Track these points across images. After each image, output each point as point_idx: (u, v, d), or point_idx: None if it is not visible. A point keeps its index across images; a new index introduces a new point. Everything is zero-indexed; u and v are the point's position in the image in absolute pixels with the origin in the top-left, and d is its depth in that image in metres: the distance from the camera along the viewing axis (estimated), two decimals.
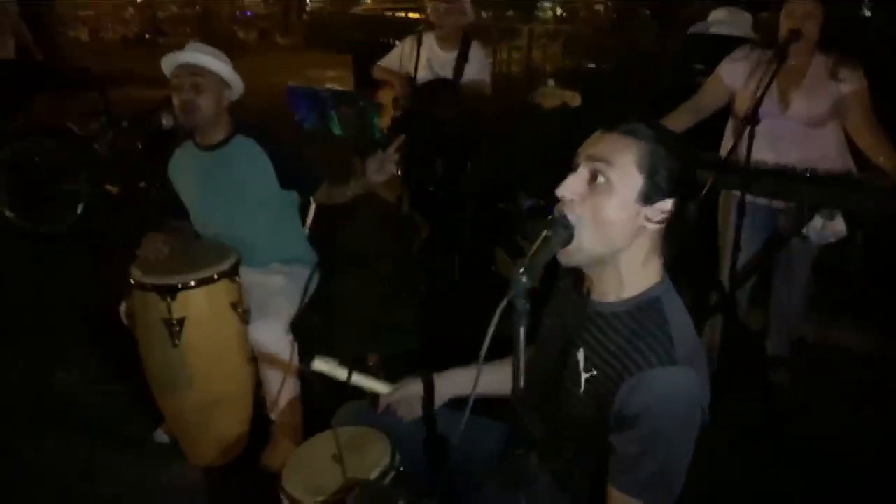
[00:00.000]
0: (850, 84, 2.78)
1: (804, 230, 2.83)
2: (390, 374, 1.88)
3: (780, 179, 2.64)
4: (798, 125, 2.84)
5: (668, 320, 1.32)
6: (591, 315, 1.41)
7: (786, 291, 3.14)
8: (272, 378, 2.64)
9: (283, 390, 2.64)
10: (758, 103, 2.66)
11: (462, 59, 4.08)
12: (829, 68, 2.80)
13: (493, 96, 4.18)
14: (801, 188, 2.63)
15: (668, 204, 1.33)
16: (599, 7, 9.66)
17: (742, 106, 2.89)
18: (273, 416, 2.71)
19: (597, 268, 1.39)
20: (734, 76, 2.95)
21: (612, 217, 1.32)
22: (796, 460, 2.72)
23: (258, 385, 2.72)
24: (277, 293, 2.69)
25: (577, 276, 1.48)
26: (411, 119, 4.10)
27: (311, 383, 1.92)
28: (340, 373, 1.79)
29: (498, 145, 4.27)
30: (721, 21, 3.86)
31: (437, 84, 4.08)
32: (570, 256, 1.34)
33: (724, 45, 3.18)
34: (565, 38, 8.12)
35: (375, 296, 3.94)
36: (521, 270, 1.19)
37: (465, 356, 1.66)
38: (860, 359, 3.39)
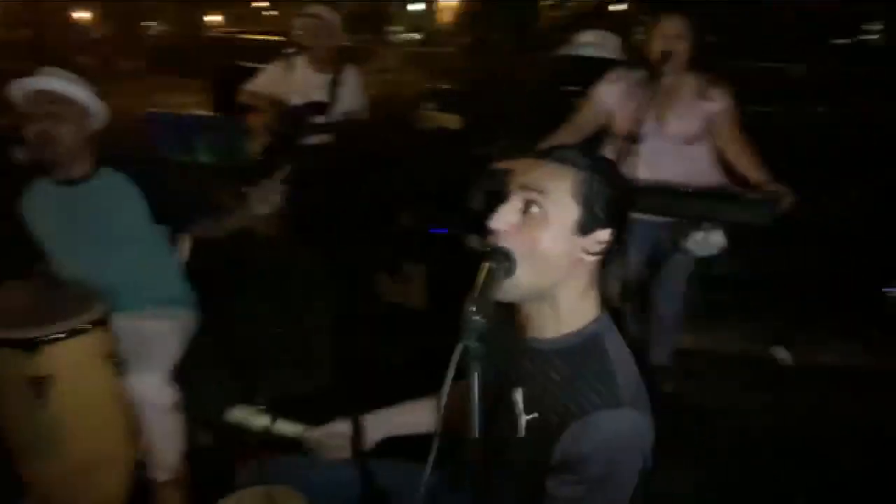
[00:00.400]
0: (720, 103, 2.93)
1: (685, 243, 2.93)
2: (295, 414, 1.75)
3: (664, 195, 2.73)
4: (673, 143, 2.94)
5: (612, 359, 1.27)
6: (529, 352, 1.34)
7: (666, 303, 3.26)
8: (155, 435, 2.40)
9: (167, 447, 2.42)
10: (639, 123, 2.74)
11: (336, 82, 3.98)
12: (699, 88, 2.93)
13: (370, 119, 4.10)
14: (683, 203, 2.72)
15: (604, 234, 1.29)
16: (457, 29, 9.84)
17: (621, 126, 2.96)
18: (156, 478, 2.46)
19: (533, 302, 1.33)
20: (611, 97, 3.03)
21: (548, 249, 1.27)
22: (690, 462, 2.78)
23: (138, 444, 2.47)
24: (154, 339, 2.46)
25: (511, 310, 1.41)
26: (285, 144, 3.95)
27: (215, 437, 1.75)
28: (260, 420, 1.63)
29: (378, 168, 4.19)
30: (589, 43, 3.98)
31: (310, 108, 3.95)
32: (506, 292, 1.27)
33: (594, 67, 3.27)
34: (427, 61, 8.18)
35: (260, 331, 3.73)
36: (473, 308, 1.11)
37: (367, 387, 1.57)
38: (738, 363, 3.57)
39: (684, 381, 3.38)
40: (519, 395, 1.32)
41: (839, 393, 3.28)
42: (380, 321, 3.84)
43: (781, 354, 3.58)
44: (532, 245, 1.26)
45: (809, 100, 4.58)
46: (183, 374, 2.43)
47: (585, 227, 1.27)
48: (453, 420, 1.56)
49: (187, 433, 2.46)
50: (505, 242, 1.28)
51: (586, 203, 1.27)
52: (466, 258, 4.09)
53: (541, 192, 1.27)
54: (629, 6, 7.39)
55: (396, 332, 3.72)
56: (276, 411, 1.62)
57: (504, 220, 1.28)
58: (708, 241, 2.90)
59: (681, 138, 2.94)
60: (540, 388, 1.29)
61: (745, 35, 4.69)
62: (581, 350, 1.29)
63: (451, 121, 3.66)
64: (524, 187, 1.29)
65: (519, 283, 1.26)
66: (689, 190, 2.76)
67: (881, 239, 3.88)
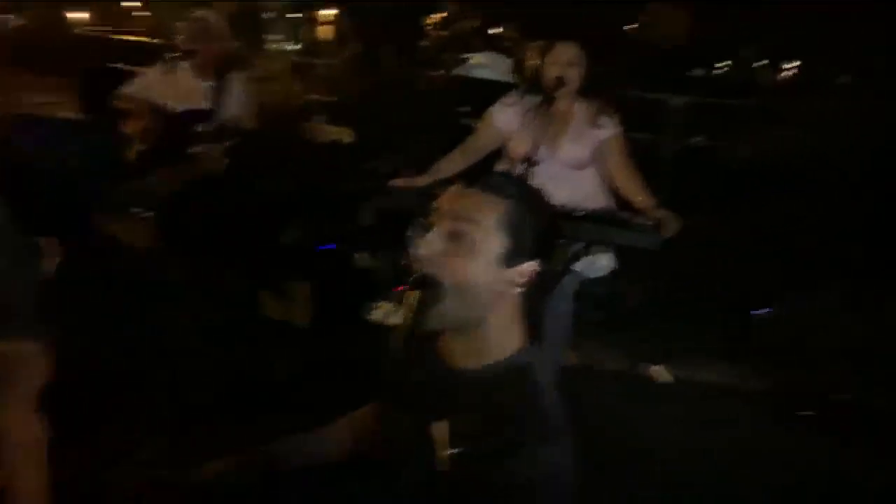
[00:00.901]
0: (609, 130, 3.02)
1: (575, 265, 3.00)
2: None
3: (560, 219, 2.78)
4: (565, 168, 3.02)
5: (540, 391, 1.26)
6: (453, 383, 1.30)
7: (554, 322, 3.32)
8: (17, 469, 2.18)
9: (30, 483, 2.20)
10: (535, 147, 2.78)
11: (220, 90, 3.81)
12: (590, 115, 3.02)
13: (256, 129, 3.96)
14: (574, 227, 2.78)
15: (531, 266, 1.27)
16: (338, 41, 9.70)
17: (516, 149, 3.00)
18: None
19: (458, 332, 1.29)
20: (507, 121, 3.06)
21: (474, 280, 1.24)
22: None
23: None
24: (16, 364, 2.24)
25: (433, 338, 1.36)
26: (163, 152, 3.74)
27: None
28: None
29: (262, 181, 4.05)
30: (481, 65, 4.03)
31: (192, 115, 3.76)
32: (431, 320, 1.23)
33: (488, 89, 3.31)
34: (310, 71, 8.02)
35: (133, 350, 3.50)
36: (395, 336, 1.07)
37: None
38: (621, 380, 3.69)
39: (569, 399, 3.45)
40: (443, 429, 1.27)
41: (712, 409, 3.45)
42: (262, 339, 3.70)
43: (660, 372, 3.73)
44: (458, 275, 1.23)
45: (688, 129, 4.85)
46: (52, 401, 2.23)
47: (512, 259, 1.25)
48: (367, 446, 1.50)
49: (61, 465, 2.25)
50: (430, 270, 1.23)
51: (514, 234, 1.24)
52: (353, 276, 4.04)
53: (469, 221, 1.24)
54: (504, 30, 7.56)
55: (280, 350, 3.60)
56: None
57: (431, 247, 1.24)
58: (597, 263, 2.99)
59: (572, 163, 3.01)
60: (465, 421, 1.25)
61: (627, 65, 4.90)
62: (508, 381, 1.26)
63: (341, 133, 3.60)
64: (451, 216, 1.26)
65: (445, 313, 1.23)
66: (580, 213, 2.83)
67: (751, 264, 4.14)
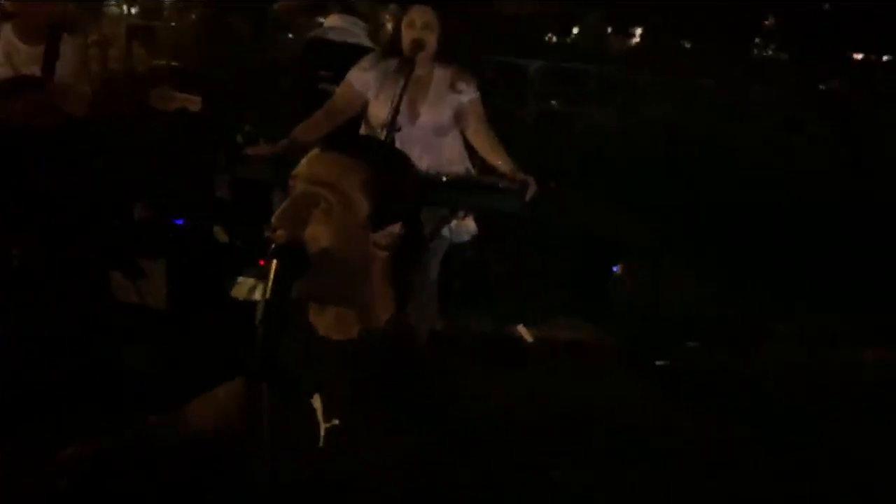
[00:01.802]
0: (467, 95, 3.03)
1: (440, 231, 3.01)
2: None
3: (424, 185, 2.76)
4: (426, 133, 3.00)
5: (415, 358, 1.24)
6: (326, 354, 1.25)
7: (422, 289, 3.33)
8: None
9: None
10: (395, 112, 2.74)
11: (51, 55, 3.49)
12: (449, 80, 3.01)
13: (96, 98, 3.67)
14: (438, 192, 2.78)
15: (395, 229, 1.24)
16: (181, 3, 9.18)
17: (376, 114, 2.95)
18: None
19: (327, 301, 1.24)
20: (365, 85, 3.00)
21: (337, 245, 1.19)
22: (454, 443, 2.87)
23: None
24: None
25: (303, 309, 1.31)
26: None
27: None
28: None
29: (106, 153, 3.77)
30: (337, 27, 3.91)
31: (21, 83, 3.43)
32: (295, 291, 1.18)
33: (346, 53, 3.23)
34: (152, 36, 7.53)
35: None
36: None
37: None
38: (491, 343, 3.76)
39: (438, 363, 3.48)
40: (317, 402, 1.23)
41: (575, 366, 3.59)
42: (115, 323, 3.49)
43: (524, 332, 3.83)
44: (321, 242, 1.18)
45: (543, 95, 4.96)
46: None
47: (376, 222, 1.21)
48: (234, 425, 1.42)
49: None
50: (291, 239, 1.18)
51: (377, 197, 1.21)
52: (213, 252, 3.87)
53: (329, 186, 1.19)
54: None
55: (134, 334, 3.41)
56: None
57: (288, 215, 1.19)
58: (461, 228, 3.01)
59: (433, 128, 3.00)
60: (339, 393, 1.21)
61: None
62: (382, 350, 1.23)
63: (191, 102, 3.39)
64: (312, 180, 1.20)
65: (310, 282, 1.18)
66: (444, 179, 2.83)
67: (606, 225, 4.32)
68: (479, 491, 1.26)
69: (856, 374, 3.73)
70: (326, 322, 1.27)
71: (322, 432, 1.22)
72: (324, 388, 1.24)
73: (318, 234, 1.18)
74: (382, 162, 1.23)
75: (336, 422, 1.20)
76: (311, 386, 1.25)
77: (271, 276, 1.12)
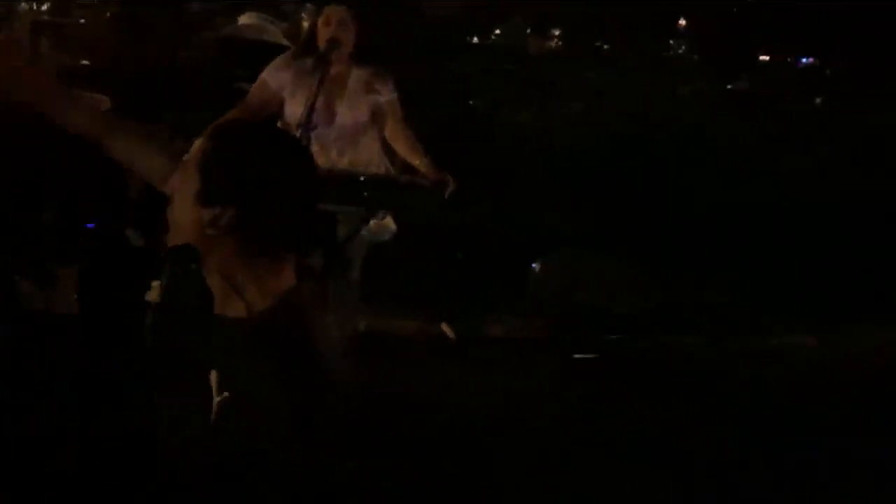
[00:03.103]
0: (386, 95, 3.02)
1: (360, 230, 2.99)
2: None
3: (342, 184, 2.75)
4: (343, 133, 2.98)
5: (307, 336, 1.28)
6: (219, 331, 1.27)
7: (342, 289, 3.30)
8: None
9: None
10: (311, 111, 2.71)
11: None
12: (366, 80, 3.00)
13: None
14: (360, 192, 2.77)
15: (228, 211, 1.22)
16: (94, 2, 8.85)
17: (292, 114, 2.91)
18: None
19: (211, 279, 1.26)
20: (281, 84, 2.97)
21: (176, 219, 1.26)
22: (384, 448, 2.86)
23: None
24: None
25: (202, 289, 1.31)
26: None
27: None
28: None
29: (10, 156, 3.61)
30: (252, 26, 3.85)
31: None
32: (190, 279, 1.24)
33: (261, 51, 3.18)
34: (61, 33, 7.24)
35: None
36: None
37: None
38: (413, 343, 3.76)
39: (360, 364, 3.46)
40: (212, 378, 1.24)
41: (497, 361, 3.63)
42: (21, 333, 3.34)
43: (447, 330, 3.86)
44: (170, 217, 1.27)
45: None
46: None
47: (204, 199, 1.23)
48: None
49: None
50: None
51: (205, 174, 1.23)
52: (126, 255, 3.74)
53: (183, 165, 1.27)
54: None
55: (42, 344, 3.27)
56: None
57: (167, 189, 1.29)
58: (381, 227, 3.00)
59: (350, 128, 2.98)
60: (230, 369, 1.23)
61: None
62: (271, 328, 1.25)
63: (99, 101, 3.29)
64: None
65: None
66: (362, 178, 2.82)
67: (525, 221, 4.39)
68: (367, 463, 1.29)
69: (767, 360, 3.90)
70: (217, 301, 1.29)
71: (214, 406, 1.23)
72: (217, 364, 1.25)
73: (175, 214, 1.27)
74: (212, 139, 1.26)
75: (226, 395, 1.22)
76: (208, 363, 1.26)
77: (165, 277, 1.12)
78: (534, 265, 4.12)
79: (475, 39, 8.00)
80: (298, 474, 1.18)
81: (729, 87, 7.71)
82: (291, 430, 1.18)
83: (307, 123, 2.70)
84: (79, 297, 3.60)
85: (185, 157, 1.29)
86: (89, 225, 3.73)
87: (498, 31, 8.67)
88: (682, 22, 8.69)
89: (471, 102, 5.13)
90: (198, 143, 1.27)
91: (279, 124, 3.03)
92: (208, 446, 1.23)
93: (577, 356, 3.70)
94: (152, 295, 3.27)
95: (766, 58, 9.18)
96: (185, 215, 1.24)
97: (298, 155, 1.34)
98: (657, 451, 2.97)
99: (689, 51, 8.74)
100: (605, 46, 8.05)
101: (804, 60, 9.28)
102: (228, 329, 1.27)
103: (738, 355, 3.88)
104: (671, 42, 8.74)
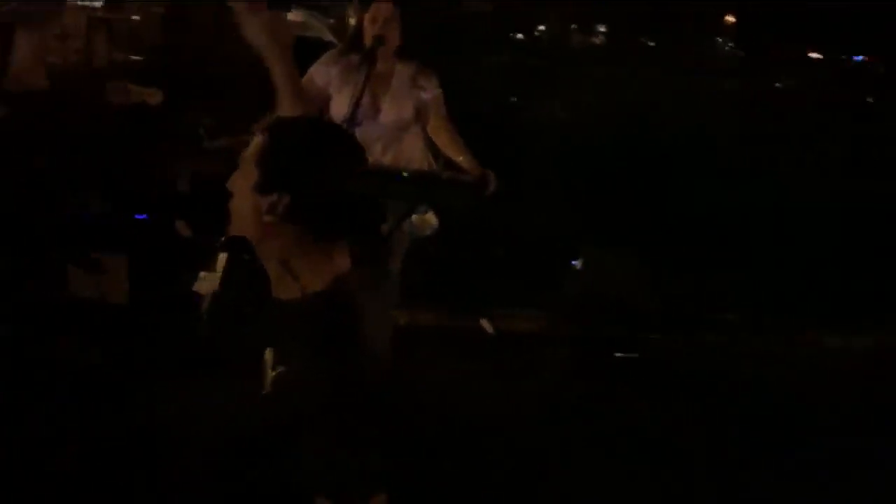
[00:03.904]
0: (429, 92, 3.05)
1: (402, 225, 3.03)
2: None
3: (384, 179, 2.78)
4: (388, 129, 3.01)
5: (352, 321, 1.34)
6: (276, 312, 1.37)
7: (384, 282, 3.34)
8: None
9: None
10: (356, 107, 2.76)
11: (6, 46, 3.43)
12: (410, 76, 3.02)
13: (51, 91, 3.62)
14: (399, 187, 2.80)
15: (284, 199, 1.31)
16: None
17: (337, 110, 2.95)
18: None
19: (269, 264, 1.36)
20: (327, 81, 3.00)
21: (236, 207, 1.35)
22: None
23: None
24: None
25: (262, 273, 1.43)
26: None
27: None
28: None
29: (64, 147, 3.72)
30: (299, 23, 3.91)
31: None
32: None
33: (308, 48, 3.22)
34: (113, 29, 7.41)
35: None
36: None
37: None
38: (450, 337, 3.79)
39: (402, 358, 3.50)
40: (268, 354, 1.35)
41: (535, 359, 3.65)
42: (73, 320, 3.45)
43: (485, 325, 3.87)
44: (232, 211, 1.36)
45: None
46: None
47: (261, 188, 1.33)
48: None
49: None
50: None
51: (262, 165, 1.33)
52: (173, 246, 3.84)
53: (243, 159, 1.35)
54: None
55: (93, 331, 3.38)
56: None
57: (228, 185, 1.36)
58: (423, 222, 3.03)
59: (394, 124, 3.01)
60: (285, 344, 1.33)
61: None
62: (323, 308, 1.32)
63: (150, 96, 3.37)
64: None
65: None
66: (404, 174, 2.85)
67: (563, 218, 4.38)
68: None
69: (806, 361, 3.85)
70: (276, 286, 1.38)
71: (269, 379, 1.34)
72: (274, 342, 1.36)
73: (235, 206, 1.35)
74: (268, 134, 1.34)
75: (281, 369, 1.31)
76: (265, 341, 1.38)
77: (221, 267, 1.18)
78: (573, 263, 4.11)
79: (518, 35, 7.99)
80: (335, 448, 1.25)
81: (777, 85, 7.57)
82: (333, 405, 1.25)
83: (352, 119, 2.74)
84: (129, 286, 3.71)
85: (244, 154, 1.37)
86: (140, 216, 3.83)
87: (541, 28, 8.65)
88: (730, 19, 8.56)
89: (513, 99, 5.13)
90: (256, 140, 1.35)
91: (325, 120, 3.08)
92: (257, 418, 1.34)
93: (616, 355, 3.70)
94: (200, 285, 3.36)
95: (817, 55, 8.99)
96: (245, 205, 1.33)
97: (349, 147, 1.41)
98: (688, 450, 2.96)
99: (736, 48, 8.60)
100: (651, 43, 7.97)
101: (857, 59, 9.07)
102: (284, 309, 1.35)
103: (767, 356, 3.85)
104: (718, 39, 8.61)
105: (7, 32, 3.44)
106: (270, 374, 1.33)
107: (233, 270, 1.22)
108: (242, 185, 1.34)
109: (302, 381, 1.27)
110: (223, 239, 1.29)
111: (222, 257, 1.23)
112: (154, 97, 3.34)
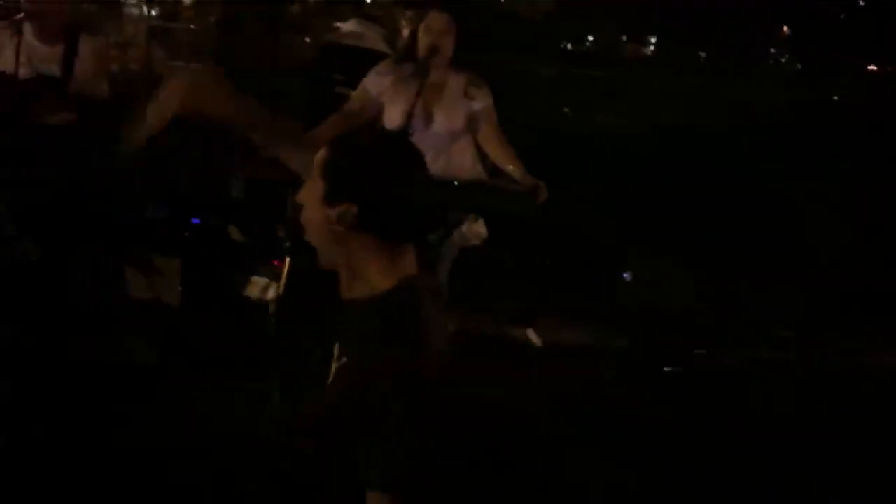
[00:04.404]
0: (481, 101, 3.05)
1: (451, 234, 3.04)
2: None
3: (436, 188, 2.79)
4: (439, 138, 3.02)
5: (416, 323, 1.37)
6: (343, 310, 1.43)
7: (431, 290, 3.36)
8: None
9: None
10: (409, 117, 2.78)
11: (69, 55, 3.54)
12: (463, 86, 3.04)
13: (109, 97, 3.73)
14: (454, 196, 2.82)
15: (352, 209, 1.36)
16: (199, 6, 9.26)
17: (391, 119, 2.98)
18: None
19: (337, 267, 1.43)
20: (381, 91, 3.03)
21: (306, 219, 1.41)
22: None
23: None
24: None
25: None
26: (8, 124, 3.46)
27: None
28: None
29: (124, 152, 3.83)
30: (354, 33, 3.96)
31: (38, 83, 3.49)
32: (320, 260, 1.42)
33: (362, 58, 3.27)
34: (169, 37, 7.62)
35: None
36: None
37: None
38: (495, 346, 3.79)
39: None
40: (335, 349, 1.42)
41: (582, 371, 3.61)
42: (127, 319, 3.54)
43: (532, 336, 3.86)
44: (304, 222, 1.42)
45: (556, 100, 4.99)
46: None
47: (329, 199, 1.38)
48: None
49: None
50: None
51: (329, 178, 1.38)
52: (225, 250, 3.91)
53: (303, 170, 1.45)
54: None
55: (147, 330, 3.46)
56: None
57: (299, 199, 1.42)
58: (472, 231, 3.04)
59: (446, 134, 3.02)
60: (350, 339, 1.40)
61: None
62: (390, 305, 1.38)
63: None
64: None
65: (320, 255, 1.42)
66: (455, 183, 2.86)
67: (613, 229, 4.35)
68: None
69: (858, 378, 3.74)
70: (342, 284, 1.45)
71: (333, 370, 1.41)
72: (340, 337, 1.44)
73: (303, 210, 1.41)
74: (334, 146, 1.41)
75: (345, 360, 1.39)
76: (333, 336, 1.45)
77: (285, 273, 1.23)
78: (624, 276, 4.08)
79: (568, 45, 7.97)
80: (392, 441, 1.29)
81: (835, 98, 7.41)
82: (393, 398, 1.29)
83: (405, 129, 2.76)
84: (182, 287, 3.79)
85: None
86: (194, 220, 3.91)
87: (591, 38, 8.62)
88: (786, 30, 8.41)
89: (565, 110, 5.11)
90: (321, 153, 1.41)
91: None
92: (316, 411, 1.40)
93: (665, 369, 3.64)
94: (251, 289, 3.40)
95: (875, 68, 8.77)
96: (315, 216, 1.40)
97: (410, 156, 1.45)
98: (737, 471, 2.91)
99: (792, 60, 8.44)
100: (703, 54, 7.88)
101: None
102: (353, 307, 1.42)
103: (825, 373, 3.75)
104: (773, 50, 8.46)
105: (72, 41, 3.55)
106: (334, 364, 1.39)
107: (296, 274, 1.26)
108: (311, 196, 1.40)
109: (364, 372, 1.33)
110: (287, 245, 1.33)
111: (286, 262, 1.27)
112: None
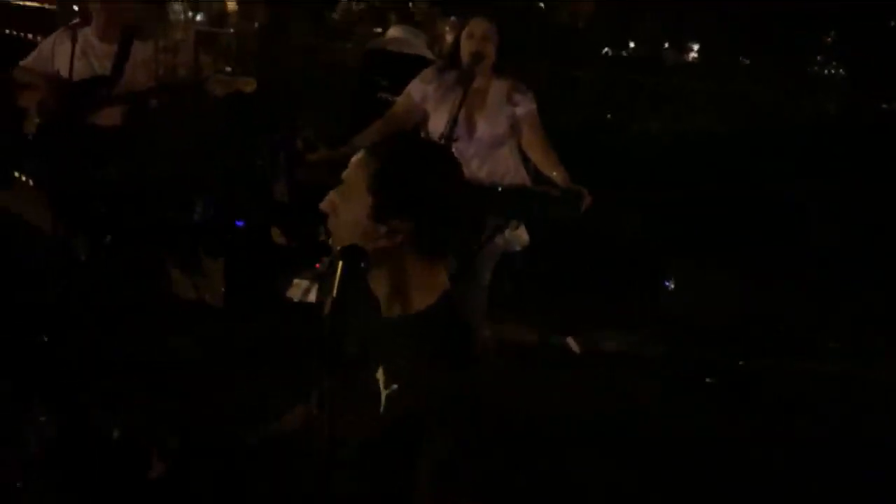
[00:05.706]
0: (524, 107, 3.05)
1: (494, 240, 3.04)
2: None
3: (479, 195, 2.81)
4: (482, 144, 3.03)
5: (459, 333, 1.36)
6: (385, 329, 1.39)
7: (472, 295, 3.36)
8: None
9: None
10: (453, 123, 2.79)
11: (122, 56, 3.64)
12: (506, 92, 3.04)
13: (160, 97, 3.81)
14: (495, 202, 2.83)
15: (405, 225, 1.32)
16: (244, 11, 9.38)
17: (434, 126, 3.00)
18: None
19: (378, 287, 1.40)
20: (425, 97, 3.05)
21: (346, 236, 1.35)
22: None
23: None
24: None
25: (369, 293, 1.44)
26: (63, 124, 3.56)
27: None
28: None
29: (165, 145, 3.90)
30: (398, 39, 3.99)
31: (92, 83, 3.59)
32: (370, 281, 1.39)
33: (406, 64, 3.29)
34: (215, 43, 7.73)
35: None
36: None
37: None
38: (535, 353, 3.77)
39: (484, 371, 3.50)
40: (379, 372, 1.35)
41: (621, 378, 3.58)
42: (173, 319, 3.60)
43: (572, 343, 3.84)
44: (337, 231, 1.38)
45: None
46: None
47: (381, 215, 1.33)
48: None
49: None
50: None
51: (378, 193, 1.33)
52: (269, 253, 3.97)
53: (343, 181, 1.37)
54: (415, 4, 7.53)
55: (192, 330, 3.52)
56: None
57: (325, 203, 1.39)
58: (514, 237, 3.04)
59: (490, 140, 3.03)
60: (397, 362, 1.34)
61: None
62: (430, 324, 1.35)
63: (246, 84, 3.51)
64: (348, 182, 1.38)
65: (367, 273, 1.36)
66: (498, 189, 2.87)
67: (655, 237, 4.30)
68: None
69: None
70: (382, 300, 1.41)
71: (383, 399, 1.34)
72: (384, 359, 1.37)
73: (336, 224, 1.39)
74: (387, 160, 1.35)
75: (395, 387, 1.33)
76: (375, 358, 1.38)
77: (338, 275, 1.23)
78: (666, 284, 4.03)
79: (608, 51, 7.93)
80: (446, 459, 1.27)
81: (884, 106, 7.25)
82: (447, 418, 1.27)
83: (449, 136, 2.78)
84: (225, 288, 3.85)
85: (344, 175, 1.39)
86: (238, 223, 3.97)
87: (632, 44, 8.55)
88: (832, 36, 8.26)
89: (608, 116, 5.08)
90: (356, 160, 1.36)
91: (422, 136, 3.13)
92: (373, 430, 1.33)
93: (707, 380, 3.60)
94: (293, 291, 3.45)
95: None
96: (354, 231, 1.35)
97: (456, 170, 1.43)
98: (789, 479, 2.86)
99: (838, 67, 8.28)
100: (746, 61, 7.77)
101: None
102: (395, 326, 1.38)
103: (872, 383, 3.66)
104: (818, 58, 8.30)
105: (127, 42, 3.63)
106: (384, 392, 1.34)
107: (347, 278, 1.26)
108: (348, 208, 1.36)
109: (417, 399, 1.28)
110: (339, 248, 1.32)
111: (338, 265, 1.26)
112: (249, 86, 3.47)
